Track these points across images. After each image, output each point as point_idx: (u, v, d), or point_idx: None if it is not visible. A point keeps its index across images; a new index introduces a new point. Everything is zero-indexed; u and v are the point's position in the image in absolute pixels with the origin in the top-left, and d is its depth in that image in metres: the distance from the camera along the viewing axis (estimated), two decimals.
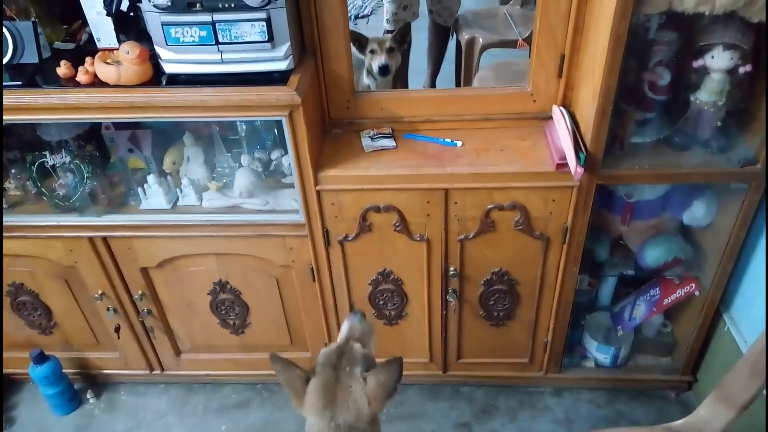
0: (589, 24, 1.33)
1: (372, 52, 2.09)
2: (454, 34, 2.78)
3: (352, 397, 1.01)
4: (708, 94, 1.33)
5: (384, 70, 2.03)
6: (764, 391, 1.10)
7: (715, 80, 1.31)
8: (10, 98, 1.32)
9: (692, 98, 1.36)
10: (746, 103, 1.37)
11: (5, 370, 1.95)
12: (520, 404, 1.86)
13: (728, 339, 1.65)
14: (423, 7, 2.74)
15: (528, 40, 2.51)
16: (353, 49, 1.82)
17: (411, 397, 1.88)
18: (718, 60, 1.28)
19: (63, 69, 1.36)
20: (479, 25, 2.71)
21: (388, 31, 2.60)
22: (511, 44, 2.64)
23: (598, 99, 1.27)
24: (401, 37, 2.16)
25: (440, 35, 2.79)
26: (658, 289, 1.74)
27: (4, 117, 1.36)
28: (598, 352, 1.84)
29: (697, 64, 1.31)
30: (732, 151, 1.39)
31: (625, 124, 1.42)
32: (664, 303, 1.72)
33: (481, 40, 2.60)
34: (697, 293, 1.66)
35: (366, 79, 2.18)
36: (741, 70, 1.28)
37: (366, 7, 4.08)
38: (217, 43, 1.28)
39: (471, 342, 1.78)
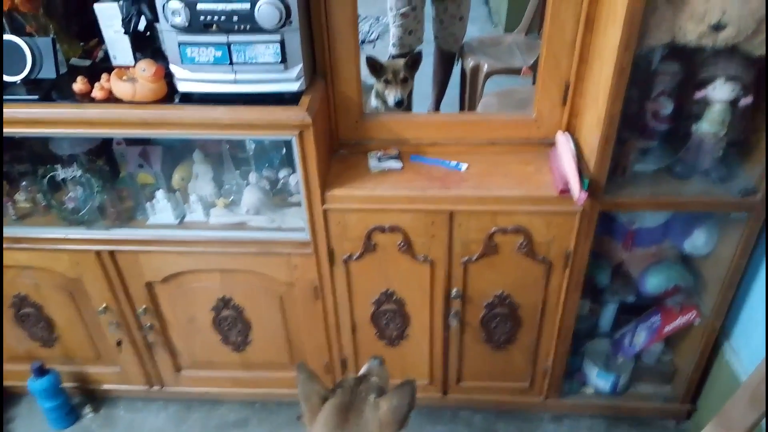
0: (594, 54, 1.36)
1: (387, 82, 2.14)
2: (459, 60, 2.83)
3: (363, 421, 1.02)
4: (709, 125, 1.36)
5: (400, 104, 2.09)
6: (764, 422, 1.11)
7: (717, 111, 1.34)
8: (26, 111, 1.35)
9: (694, 128, 1.39)
10: (747, 135, 1.40)
11: (6, 383, 1.95)
12: (519, 430, 1.85)
13: (728, 368, 1.65)
14: (428, 33, 2.80)
15: (532, 67, 2.57)
16: (365, 72, 1.86)
17: (410, 420, 1.87)
18: (720, 92, 1.31)
19: (79, 85, 1.40)
20: (484, 52, 2.77)
21: (393, 56, 2.66)
22: (516, 72, 2.69)
23: (601, 127, 1.30)
24: (413, 64, 2.21)
25: (445, 61, 2.85)
26: (658, 316, 1.75)
27: (21, 129, 1.38)
28: (599, 379, 1.84)
29: (698, 95, 1.34)
30: (732, 181, 1.42)
31: (627, 152, 1.45)
32: (665, 331, 1.72)
33: (485, 66, 2.66)
34: (697, 321, 1.67)
35: (374, 102, 2.23)
36: (742, 102, 1.31)
37: (373, 32, 4.17)
38: (232, 63, 1.31)
39: (471, 365, 1.78)
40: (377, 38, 4.13)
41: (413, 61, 2.27)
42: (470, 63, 2.70)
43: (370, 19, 4.18)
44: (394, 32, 2.69)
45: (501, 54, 2.81)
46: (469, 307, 1.64)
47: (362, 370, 1.18)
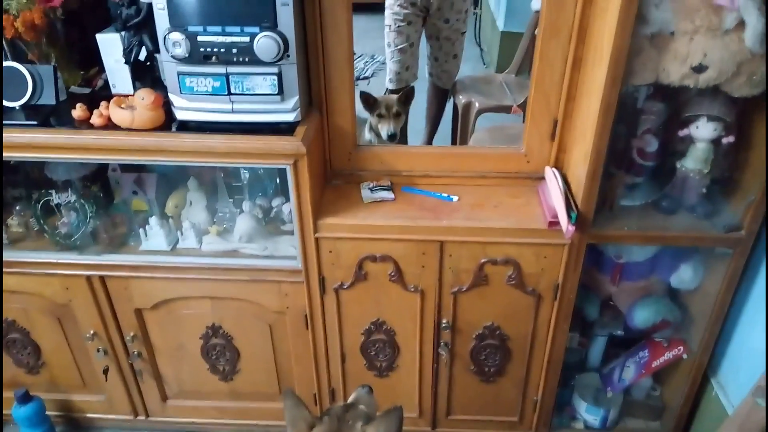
0: (581, 92, 1.41)
1: (380, 116, 2.20)
2: (452, 96, 2.90)
3: None
4: (693, 162, 1.40)
5: (392, 137, 2.14)
6: None
7: (700, 149, 1.38)
8: (25, 136, 1.36)
9: (679, 165, 1.43)
10: (730, 172, 1.43)
11: None
12: None
13: (716, 404, 1.66)
14: (423, 70, 2.87)
15: (522, 106, 2.64)
16: (359, 107, 1.90)
17: None
18: (703, 130, 1.36)
19: (78, 111, 1.42)
20: (476, 90, 2.83)
21: (391, 91, 2.72)
22: (506, 109, 2.76)
23: (588, 161, 1.33)
24: (406, 99, 2.27)
25: (439, 97, 2.91)
26: (646, 351, 1.76)
27: (19, 154, 1.40)
28: (588, 414, 1.84)
29: (682, 133, 1.38)
30: (717, 217, 1.45)
31: (614, 187, 1.48)
32: (653, 365, 1.73)
33: (477, 104, 2.72)
34: (685, 356, 1.68)
35: (368, 135, 2.27)
36: (724, 140, 1.36)
37: (367, 69, 4.25)
38: (230, 93, 1.34)
39: (461, 397, 1.78)
40: (372, 75, 4.21)
41: (406, 96, 2.33)
42: (462, 100, 2.76)
43: (366, 57, 4.27)
44: (391, 67, 2.75)
45: (492, 92, 2.88)
46: (459, 338, 1.65)
47: (350, 399, 1.18)
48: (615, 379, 1.82)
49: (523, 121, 2.54)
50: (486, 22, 4.57)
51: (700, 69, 1.22)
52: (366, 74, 4.24)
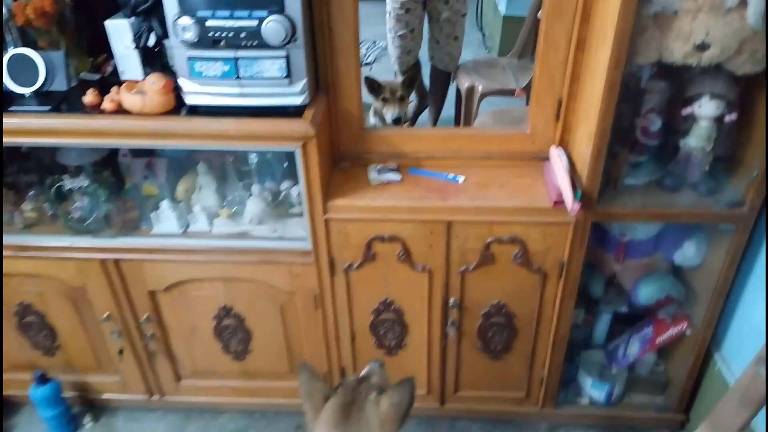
0: (585, 72, 1.42)
1: (385, 100, 2.22)
2: (454, 80, 2.91)
3: (364, 418, 1.05)
4: (696, 140, 1.42)
5: (397, 121, 2.16)
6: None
7: (703, 127, 1.40)
8: (38, 121, 1.39)
9: (682, 143, 1.44)
10: (733, 149, 1.45)
11: (6, 392, 1.96)
12: None
13: (719, 378, 1.69)
14: (423, 54, 2.88)
15: (525, 89, 2.65)
16: (364, 92, 1.92)
17: (408, 428, 1.89)
18: (705, 108, 1.37)
19: (89, 97, 1.44)
20: (479, 74, 2.85)
21: (401, 72, 2.73)
22: (509, 93, 2.77)
23: (593, 141, 1.35)
24: (410, 83, 2.28)
25: (441, 80, 2.92)
26: (651, 327, 1.79)
27: (32, 139, 1.43)
28: (593, 389, 1.88)
29: (685, 112, 1.40)
30: (720, 194, 1.47)
31: (618, 166, 1.50)
32: (657, 341, 1.76)
33: (480, 88, 2.73)
34: (688, 332, 1.71)
35: (373, 120, 2.29)
36: (727, 118, 1.37)
37: (369, 55, 4.26)
38: (238, 77, 1.36)
39: (469, 374, 1.81)
40: (374, 61, 4.22)
41: (410, 80, 2.34)
42: (465, 84, 2.78)
43: (368, 43, 4.28)
44: (393, 52, 2.77)
45: (495, 76, 2.89)
46: (467, 317, 1.68)
47: (363, 373, 1.21)
48: (620, 356, 1.85)
49: (527, 104, 2.56)
50: (488, 6, 4.56)
51: (703, 47, 1.23)
52: (368, 60, 4.25)
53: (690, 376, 1.78)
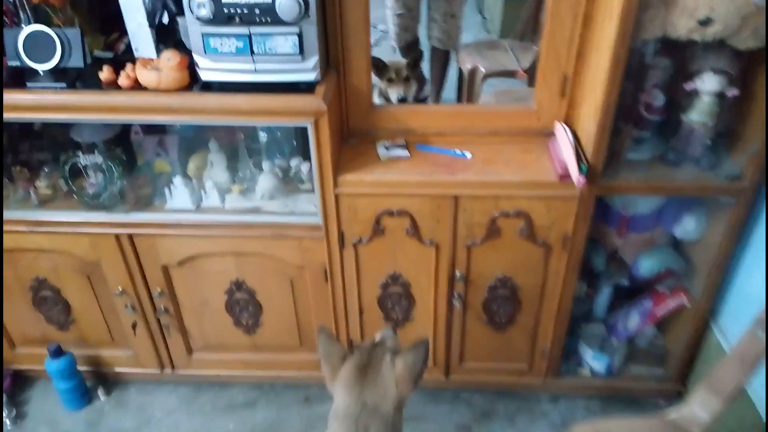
0: (591, 48, 1.46)
1: (390, 80, 2.24)
2: (456, 62, 2.93)
3: (380, 378, 1.10)
4: (699, 115, 1.46)
5: (402, 101, 2.19)
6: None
7: (705, 102, 1.44)
8: (57, 98, 1.42)
9: (684, 118, 1.48)
10: (734, 124, 1.49)
11: (20, 366, 2.01)
12: (518, 409, 1.93)
13: (717, 349, 1.74)
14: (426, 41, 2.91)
15: (527, 70, 2.68)
16: None
17: (413, 400, 1.91)
18: (708, 83, 1.41)
19: (105, 74, 1.47)
20: (481, 55, 2.87)
21: (400, 48, 2.76)
22: (511, 74, 2.80)
23: (598, 115, 1.39)
24: (415, 64, 2.30)
25: (441, 59, 2.94)
26: (650, 300, 1.84)
27: (50, 115, 1.46)
28: (594, 361, 1.93)
29: (688, 87, 1.44)
30: (720, 168, 1.51)
31: (622, 142, 1.54)
32: (657, 314, 1.81)
33: (482, 69, 2.75)
34: (687, 305, 1.76)
35: (377, 100, 2.31)
36: (729, 93, 1.41)
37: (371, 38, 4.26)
38: (252, 53, 1.39)
39: (473, 346, 1.86)
40: (374, 44, 4.23)
41: (415, 61, 2.37)
42: (468, 66, 2.80)
43: None
44: (392, 29, 2.80)
45: (497, 57, 2.91)
46: (472, 290, 1.73)
47: (376, 338, 1.26)
48: (620, 328, 1.90)
49: (528, 86, 2.60)
50: None
51: (706, 22, 1.27)
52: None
53: (688, 347, 1.83)
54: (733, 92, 1.40)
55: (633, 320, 1.87)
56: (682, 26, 1.29)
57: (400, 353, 1.13)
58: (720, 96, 1.42)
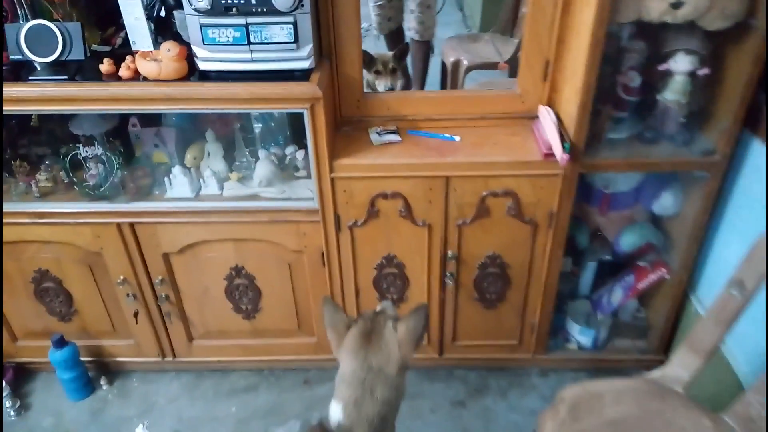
0: (570, 33, 1.54)
1: (377, 72, 2.32)
2: (436, 53, 3.02)
3: (384, 342, 1.17)
4: (672, 94, 1.55)
5: (390, 92, 2.26)
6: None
7: (679, 82, 1.53)
8: (60, 89, 1.46)
9: (659, 98, 1.57)
10: (706, 102, 1.59)
11: (23, 359, 2.04)
12: (510, 384, 2.01)
13: (696, 319, 1.83)
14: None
15: (508, 62, 2.78)
16: None
17: (409, 378, 1.99)
18: (681, 64, 1.50)
19: (105, 66, 1.52)
20: (463, 48, 2.95)
21: (385, 37, 2.84)
22: (493, 66, 2.89)
23: (579, 96, 1.47)
24: (401, 56, 2.38)
25: (421, 50, 3.05)
26: (632, 275, 1.93)
27: (53, 107, 1.50)
28: (580, 335, 2.02)
29: (662, 67, 1.53)
30: (694, 144, 1.61)
31: (602, 122, 1.63)
32: (638, 287, 1.90)
33: (465, 62, 2.84)
34: (667, 277, 1.85)
35: (366, 91, 2.38)
36: (700, 72, 1.50)
37: None
38: (249, 43, 1.45)
39: (465, 324, 1.94)
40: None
41: (401, 53, 2.44)
42: (450, 59, 2.88)
43: None
44: (374, 19, 2.89)
45: (479, 50, 3.00)
46: (463, 268, 1.80)
47: (377, 308, 1.32)
48: (604, 303, 1.99)
49: (510, 77, 2.68)
50: None
51: (677, 5, 1.36)
52: None
53: (669, 319, 1.92)
54: (704, 71, 1.50)
55: (616, 295, 1.96)
56: (655, 9, 1.38)
57: (401, 319, 1.20)
58: (692, 75, 1.51)
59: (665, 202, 1.76)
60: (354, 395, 1.15)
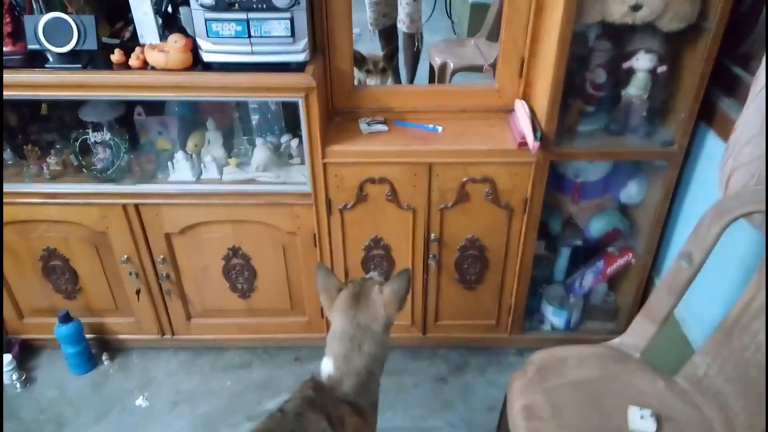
0: (543, 33, 1.69)
1: (368, 71, 2.46)
2: (421, 49, 3.19)
3: (371, 303, 1.30)
4: (635, 90, 1.70)
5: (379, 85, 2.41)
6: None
7: (640, 78, 1.68)
8: (75, 77, 1.60)
9: (623, 93, 1.73)
10: (665, 97, 1.74)
11: (28, 336, 2.15)
12: (488, 362, 2.15)
13: None
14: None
15: (493, 65, 2.93)
16: None
17: (395, 356, 2.15)
18: (641, 62, 1.66)
19: (116, 56, 1.65)
20: (450, 52, 3.11)
21: (379, 33, 2.99)
22: (478, 69, 3.04)
23: (550, 89, 1.62)
24: (391, 56, 2.53)
25: (409, 42, 3.21)
26: (602, 260, 2.08)
27: (69, 93, 1.63)
28: (554, 317, 2.16)
29: (625, 65, 1.68)
30: (655, 136, 1.76)
31: (572, 115, 1.78)
32: (608, 272, 2.05)
33: (452, 64, 3.00)
34: (633, 261, 2.00)
35: None
36: (659, 70, 1.66)
37: None
38: (249, 36, 1.58)
39: (447, 305, 2.07)
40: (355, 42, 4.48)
41: (391, 53, 2.59)
42: (438, 61, 3.04)
43: None
44: (370, 14, 3.05)
45: (465, 54, 3.16)
46: (445, 251, 1.94)
47: (365, 276, 1.46)
48: (576, 287, 2.13)
49: (494, 78, 2.83)
50: None
51: (636, 8, 1.51)
52: None
53: (635, 301, 2.07)
54: (662, 69, 1.65)
55: (587, 279, 2.11)
56: (616, 11, 1.53)
57: (386, 283, 1.33)
58: (652, 72, 1.67)
59: (630, 191, 1.92)
60: (344, 350, 1.28)
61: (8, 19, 1.67)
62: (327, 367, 1.29)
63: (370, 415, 1.32)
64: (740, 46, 1.63)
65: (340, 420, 1.23)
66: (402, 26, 3.14)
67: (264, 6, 1.54)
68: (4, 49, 1.69)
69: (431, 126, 1.84)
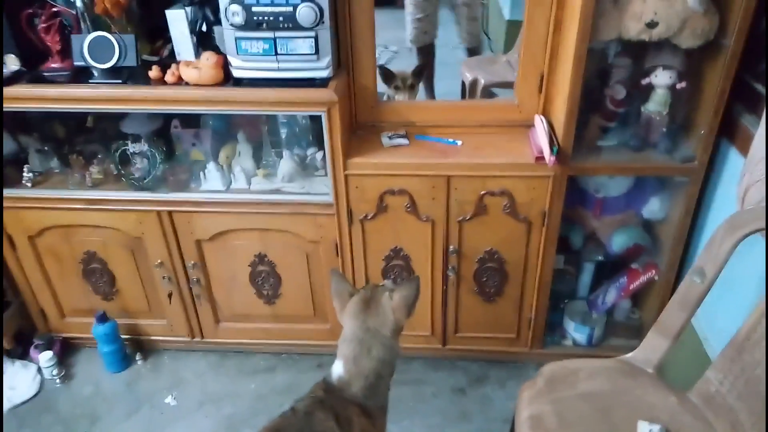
0: (561, 50, 1.72)
1: (396, 88, 2.53)
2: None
3: (381, 308, 1.35)
4: (655, 106, 1.71)
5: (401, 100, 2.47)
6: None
7: (660, 94, 1.69)
8: (116, 91, 1.72)
9: (643, 109, 1.74)
10: (685, 113, 1.74)
11: (69, 334, 2.28)
12: (509, 375, 2.15)
13: None
14: (440, 31, 3.24)
15: None
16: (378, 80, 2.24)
17: (414, 367, 2.18)
18: (660, 78, 1.67)
19: (154, 72, 1.77)
20: (481, 68, 3.15)
21: (417, 48, 3.12)
22: (509, 85, 3.07)
23: (567, 104, 1.65)
24: (419, 73, 2.59)
25: (426, 54, 3.27)
26: (625, 277, 2.07)
27: (110, 106, 1.75)
28: (576, 332, 2.15)
29: (645, 81, 1.69)
30: (676, 152, 1.76)
31: (591, 130, 1.80)
32: (630, 288, 2.04)
33: (482, 81, 3.03)
34: (656, 278, 1.99)
35: None
36: (678, 86, 1.66)
37: (381, 57, 4.61)
38: (276, 54, 1.67)
39: (467, 317, 2.10)
40: (386, 63, 4.57)
41: (420, 70, 2.65)
42: (469, 78, 3.09)
43: (380, 47, 4.64)
44: (410, 31, 3.14)
45: (497, 70, 3.20)
46: (464, 262, 1.97)
47: (378, 284, 1.51)
48: (599, 303, 2.12)
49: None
50: (493, 12, 4.88)
51: (652, 25, 1.53)
52: (380, 62, 4.60)
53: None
54: (681, 85, 1.66)
55: (610, 295, 2.10)
56: (632, 28, 1.55)
57: (395, 289, 1.38)
58: (672, 89, 1.68)
59: (653, 207, 1.91)
60: (353, 353, 1.33)
61: (58, 38, 1.81)
62: (337, 369, 1.35)
63: (378, 418, 1.36)
64: (761, 63, 1.62)
65: (348, 420, 1.27)
66: (464, 41, 3.23)
67: (290, 25, 1.63)
68: (54, 65, 1.83)
69: (451, 140, 1.89)
